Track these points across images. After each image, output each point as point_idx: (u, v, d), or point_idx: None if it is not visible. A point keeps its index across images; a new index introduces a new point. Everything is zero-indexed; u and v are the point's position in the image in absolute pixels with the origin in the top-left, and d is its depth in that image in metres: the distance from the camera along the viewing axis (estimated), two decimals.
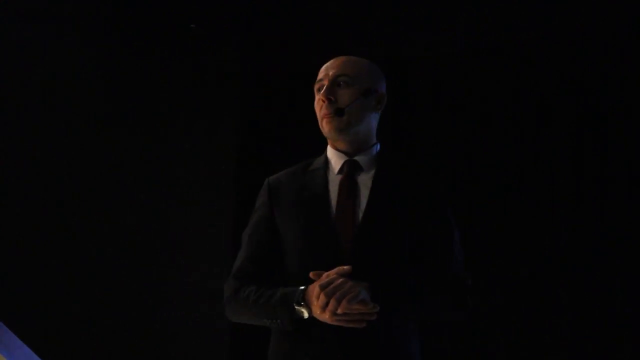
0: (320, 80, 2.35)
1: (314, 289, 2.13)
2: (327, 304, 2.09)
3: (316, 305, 2.11)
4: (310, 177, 2.36)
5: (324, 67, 2.37)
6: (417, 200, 2.29)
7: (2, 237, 4.03)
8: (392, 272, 2.21)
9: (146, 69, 4.37)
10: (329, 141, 2.39)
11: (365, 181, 2.31)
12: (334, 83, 2.32)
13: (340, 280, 2.11)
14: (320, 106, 2.33)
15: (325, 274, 2.13)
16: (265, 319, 2.23)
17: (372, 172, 2.33)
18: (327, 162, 2.38)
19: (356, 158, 2.35)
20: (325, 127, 2.32)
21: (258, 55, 4.41)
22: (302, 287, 2.17)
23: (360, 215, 2.25)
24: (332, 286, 2.10)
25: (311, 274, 2.15)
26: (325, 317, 2.11)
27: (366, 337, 2.15)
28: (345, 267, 2.13)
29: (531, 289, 4.05)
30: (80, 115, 4.27)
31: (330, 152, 2.39)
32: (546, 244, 4.07)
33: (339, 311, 2.09)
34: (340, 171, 2.34)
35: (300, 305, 2.15)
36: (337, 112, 2.28)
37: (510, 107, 4.21)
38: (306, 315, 2.16)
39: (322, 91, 2.32)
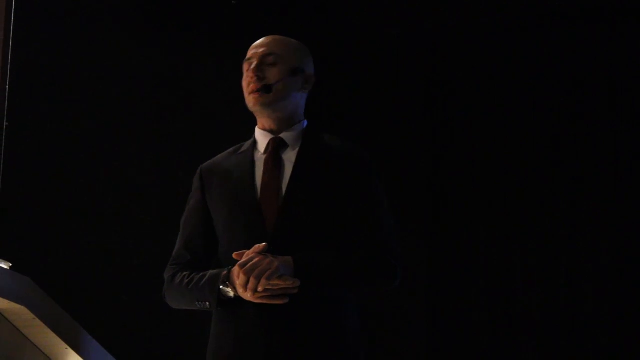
0: (249, 58, 2.36)
1: (235, 268, 2.13)
2: (247, 282, 2.10)
3: (238, 284, 2.12)
4: (238, 159, 2.36)
5: (253, 45, 2.40)
6: (341, 173, 2.27)
7: (16, 227, 4.03)
8: (315, 246, 2.20)
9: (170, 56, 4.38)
10: (258, 121, 2.39)
11: (290, 158, 2.30)
12: (263, 61, 2.33)
13: (258, 257, 2.11)
14: (247, 82, 2.34)
15: (246, 253, 2.13)
16: (196, 302, 2.24)
17: (298, 148, 2.32)
18: (254, 143, 2.38)
19: (281, 135, 2.34)
20: (251, 102, 2.33)
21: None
22: (228, 268, 2.17)
23: (284, 191, 2.25)
24: (250, 264, 2.10)
25: (234, 255, 2.15)
26: (247, 295, 2.12)
27: (291, 313, 2.15)
28: (262, 245, 2.14)
29: (532, 289, 4.08)
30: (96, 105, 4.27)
31: (257, 132, 2.38)
32: (546, 243, 4.10)
33: (259, 289, 2.09)
34: (266, 150, 2.34)
35: (225, 285, 2.16)
36: (264, 88, 2.29)
37: (513, 106, 4.23)
38: (232, 294, 2.16)
39: (251, 68, 2.33)
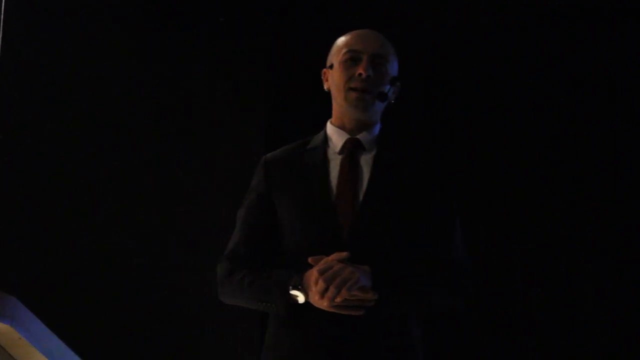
0: (357, 50, 2.25)
1: (312, 274, 2.04)
2: (325, 290, 2.00)
3: (314, 291, 2.03)
4: (309, 156, 2.26)
5: (358, 36, 2.28)
6: (419, 183, 2.20)
7: (32, 230, 4.04)
8: (391, 256, 2.12)
9: (170, 57, 4.38)
10: (334, 117, 2.30)
11: (366, 161, 2.23)
12: (373, 61, 2.24)
13: (340, 265, 2.02)
14: (350, 75, 2.23)
15: (324, 259, 2.05)
16: (260, 303, 2.15)
17: (374, 152, 2.24)
18: (326, 139, 2.28)
19: (358, 136, 2.26)
20: (351, 99, 2.23)
21: (284, 40, 4.38)
22: (299, 273, 2.08)
23: (361, 196, 2.17)
24: (331, 272, 2.01)
25: (310, 259, 2.07)
26: (323, 304, 2.03)
27: (365, 324, 2.07)
28: (343, 253, 2.05)
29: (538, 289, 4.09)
30: (100, 107, 4.28)
31: (330, 128, 2.30)
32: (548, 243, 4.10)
33: (338, 299, 2.01)
34: (342, 150, 2.25)
35: (297, 289, 2.07)
36: (381, 96, 2.22)
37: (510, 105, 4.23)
38: (302, 299, 2.07)
39: (363, 65, 2.22)
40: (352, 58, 2.25)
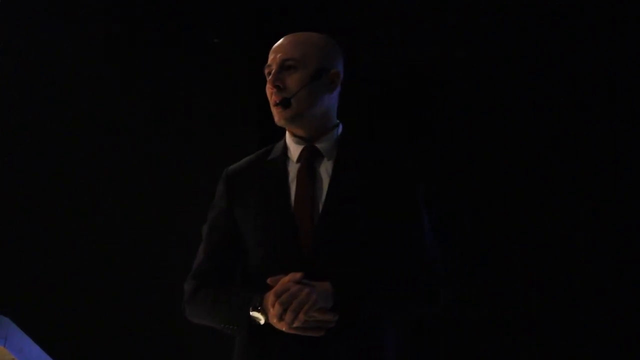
0: (269, 65, 2.16)
1: (270, 296, 1.97)
2: (283, 312, 1.94)
3: (272, 314, 1.96)
4: (269, 167, 2.18)
5: (272, 48, 2.18)
6: (382, 187, 2.10)
7: (18, 233, 4.03)
8: (355, 268, 2.03)
9: (160, 64, 4.38)
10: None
11: (326, 169, 2.13)
12: (282, 68, 2.12)
13: (296, 287, 1.94)
14: (269, 94, 2.15)
15: (280, 281, 1.97)
16: (222, 324, 2.09)
17: (334, 158, 2.14)
18: (285, 149, 2.19)
19: (316, 144, 2.15)
20: (275, 116, 2.14)
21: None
22: (260, 294, 2.01)
23: (320, 207, 2.08)
24: (286, 294, 1.93)
25: (269, 280, 2.00)
26: (282, 326, 1.97)
27: (329, 343, 2.00)
28: (298, 274, 1.97)
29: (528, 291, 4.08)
30: (94, 114, 4.27)
31: (288, 138, 2.20)
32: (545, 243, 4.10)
33: (295, 324, 1.94)
34: (299, 159, 2.16)
35: (257, 310, 2.00)
36: (283, 103, 2.09)
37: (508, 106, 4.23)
38: (262, 321, 2.01)
39: (270, 78, 2.14)
40: (268, 73, 2.18)
